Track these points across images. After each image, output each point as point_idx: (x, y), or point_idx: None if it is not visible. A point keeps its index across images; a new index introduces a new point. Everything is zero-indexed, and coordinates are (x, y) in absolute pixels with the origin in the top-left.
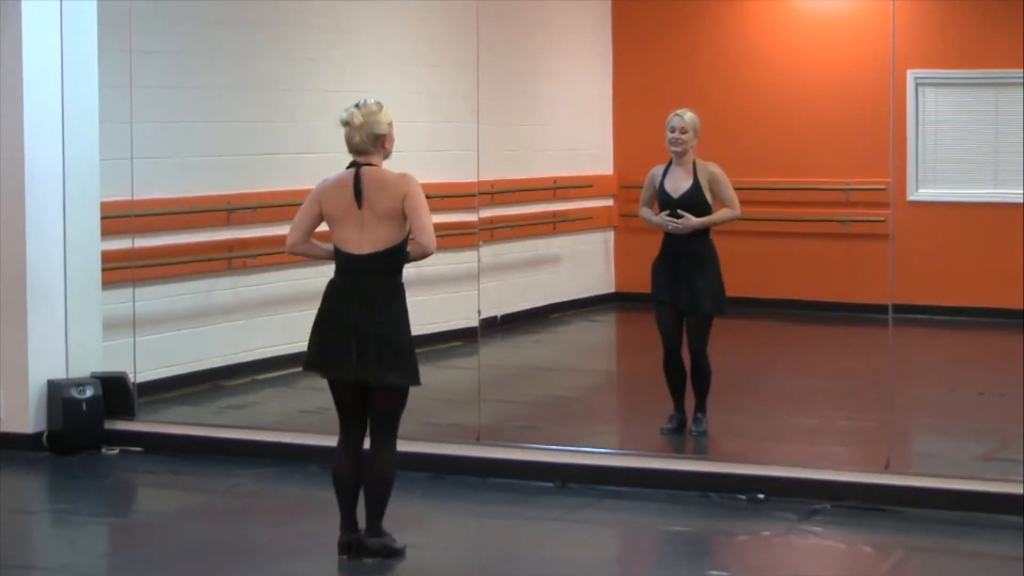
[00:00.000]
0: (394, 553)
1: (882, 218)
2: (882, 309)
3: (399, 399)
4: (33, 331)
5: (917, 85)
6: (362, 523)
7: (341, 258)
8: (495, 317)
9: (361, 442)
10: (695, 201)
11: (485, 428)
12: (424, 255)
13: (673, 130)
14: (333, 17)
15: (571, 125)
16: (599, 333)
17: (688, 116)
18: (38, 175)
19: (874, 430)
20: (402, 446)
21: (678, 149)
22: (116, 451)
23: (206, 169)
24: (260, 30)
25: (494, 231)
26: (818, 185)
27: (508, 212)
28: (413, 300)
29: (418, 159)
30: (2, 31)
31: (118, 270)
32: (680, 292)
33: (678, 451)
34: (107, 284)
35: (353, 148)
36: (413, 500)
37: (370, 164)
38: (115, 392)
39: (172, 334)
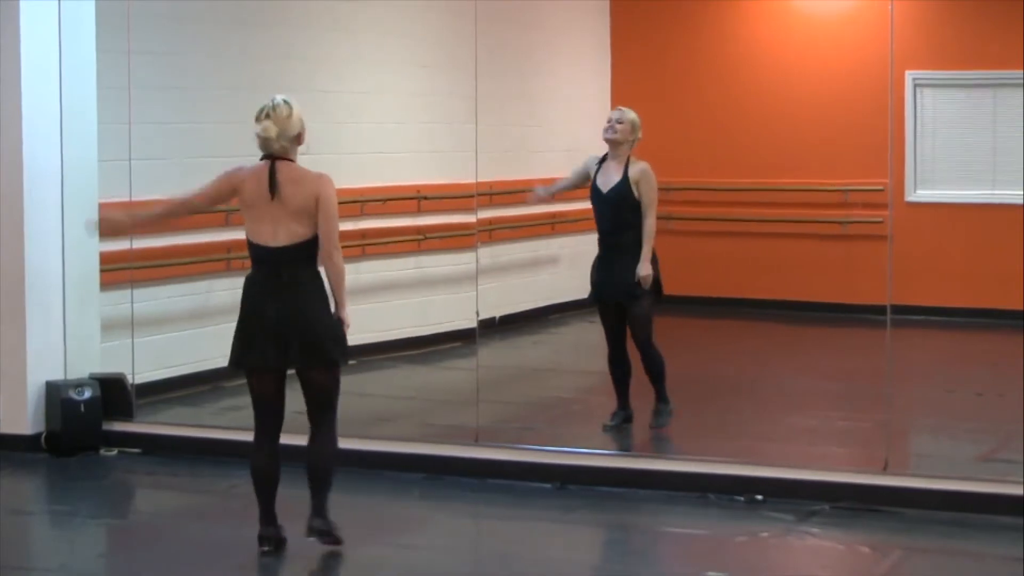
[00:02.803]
0: (334, 540)
1: (880, 219)
2: (880, 310)
3: (334, 378)
4: (31, 332)
5: (915, 86)
6: (282, 518)
7: (257, 251)
8: (494, 318)
9: (278, 436)
10: (623, 196)
11: (483, 429)
12: (333, 268)
13: (609, 120)
14: (331, 18)
15: (569, 126)
16: (597, 334)
17: (628, 113)
18: (36, 176)
19: (872, 431)
20: (400, 447)
21: (610, 136)
22: (114, 452)
23: (204, 170)
24: (259, 31)
25: (493, 232)
26: (816, 186)
27: (507, 213)
28: (412, 301)
29: (416, 160)
30: (1, 32)
31: (116, 271)
32: (616, 287)
33: (625, 447)
34: (105, 285)
35: (274, 152)
36: (411, 501)
37: (286, 159)
38: (113, 393)
39: (170, 335)
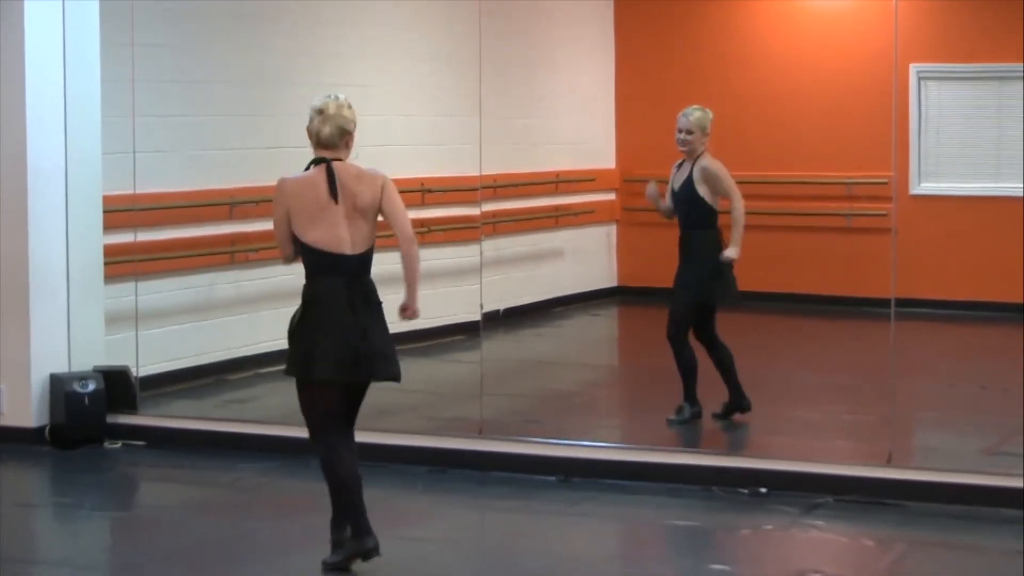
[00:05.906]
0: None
1: (884, 212)
2: (884, 303)
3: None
4: (35, 325)
5: (920, 79)
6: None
7: (327, 259)
8: (497, 311)
9: (354, 438)
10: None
11: (487, 422)
12: (411, 250)
13: (679, 131)
14: (336, 11)
15: (573, 119)
16: (601, 327)
17: (693, 115)
18: (40, 169)
19: (876, 424)
20: (405, 440)
21: (684, 149)
22: (118, 445)
23: (208, 163)
24: (263, 24)
25: (496, 225)
26: (820, 179)
27: (510, 206)
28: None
29: (420, 153)
30: (4, 25)
31: (120, 264)
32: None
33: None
34: (109, 278)
35: (321, 142)
36: (415, 494)
37: (338, 159)
38: (117, 386)
39: (174, 328)
